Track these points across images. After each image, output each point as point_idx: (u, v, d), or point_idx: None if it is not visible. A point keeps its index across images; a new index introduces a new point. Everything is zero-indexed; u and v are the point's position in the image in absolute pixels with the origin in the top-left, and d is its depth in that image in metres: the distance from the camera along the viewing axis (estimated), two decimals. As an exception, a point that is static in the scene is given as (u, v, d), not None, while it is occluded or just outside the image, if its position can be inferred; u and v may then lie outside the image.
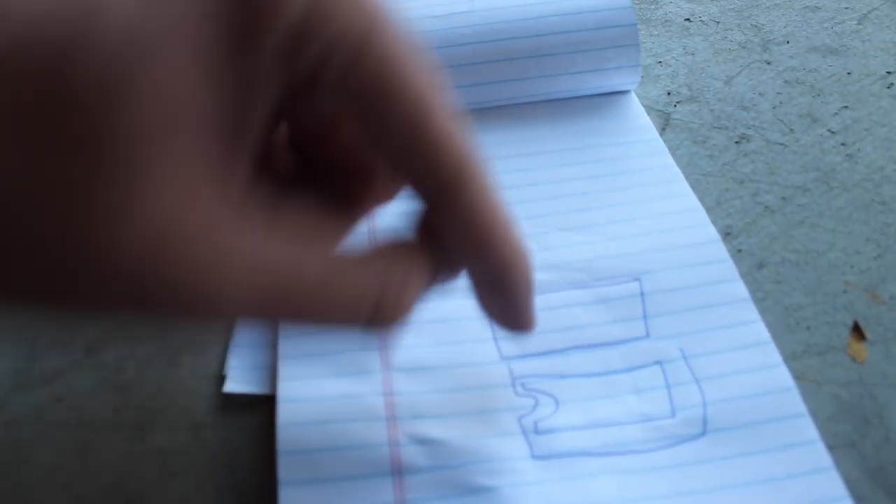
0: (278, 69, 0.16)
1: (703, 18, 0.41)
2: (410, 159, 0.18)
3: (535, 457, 0.22)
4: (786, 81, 0.37)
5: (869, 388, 0.24)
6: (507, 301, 0.20)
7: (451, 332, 0.26)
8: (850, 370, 0.25)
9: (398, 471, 0.21)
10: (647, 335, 0.25)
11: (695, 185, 0.31)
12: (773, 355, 0.24)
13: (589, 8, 0.34)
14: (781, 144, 0.33)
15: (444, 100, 0.18)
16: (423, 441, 0.22)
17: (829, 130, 0.34)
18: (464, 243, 0.19)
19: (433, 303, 0.27)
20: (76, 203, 0.14)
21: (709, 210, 0.30)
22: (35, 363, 0.25)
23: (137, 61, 0.14)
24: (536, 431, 0.23)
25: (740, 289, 0.26)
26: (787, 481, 0.21)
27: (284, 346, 0.25)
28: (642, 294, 0.26)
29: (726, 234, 0.29)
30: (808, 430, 0.22)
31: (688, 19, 0.41)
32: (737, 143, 0.33)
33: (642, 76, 0.37)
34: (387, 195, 0.21)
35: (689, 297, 0.26)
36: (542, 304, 0.26)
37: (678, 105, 0.35)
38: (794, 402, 0.23)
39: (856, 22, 0.40)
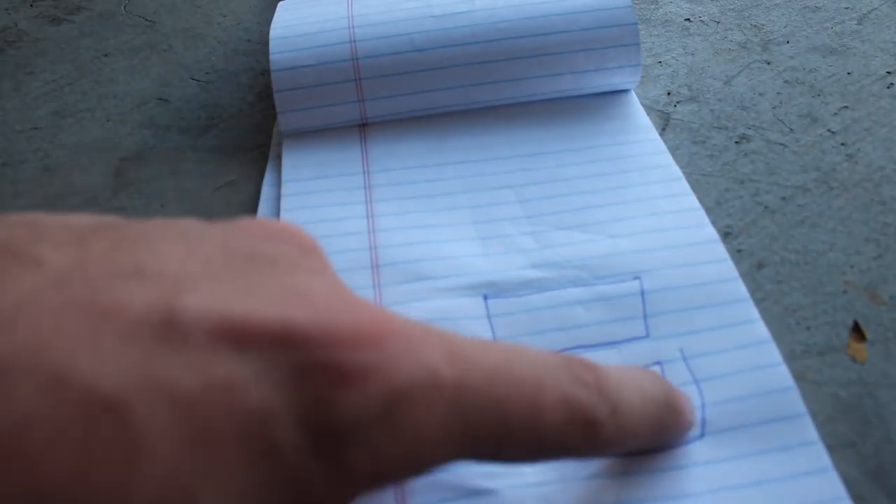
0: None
1: (703, 18, 0.41)
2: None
3: None
4: (786, 81, 0.37)
5: (869, 388, 0.24)
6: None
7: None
8: (850, 370, 0.25)
9: None
10: (647, 335, 0.25)
11: (695, 185, 0.31)
12: (773, 354, 0.24)
13: (589, 7, 0.34)
14: (781, 144, 0.33)
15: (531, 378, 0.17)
16: None
17: (829, 130, 0.34)
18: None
19: (432, 303, 0.27)
20: None
21: (709, 210, 0.30)
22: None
23: None
24: None
25: (740, 289, 0.26)
26: (785, 483, 0.21)
27: None
28: (643, 293, 0.26)
29: (726, 234, 0.29)
30: (808, 430, 0.22)
31: (688, 19, 0.41)
32: (737, 143, 0.33)
33: (642, 76, 0.37)
34: None
35: (689, 297, 0.26)
36: (543, 303, 0.26)
37: (678, 105, 0.35)
38: (794, 401, 0.23)
39: (856, 22, 0.40)
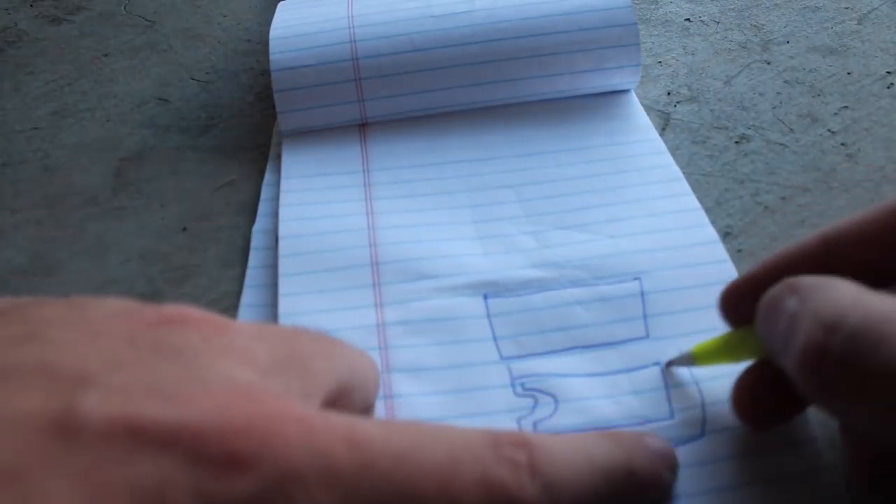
0: None
1: (703, 18, 0.41)
2: None
3: None
4: (786, 81, 0.37)
5: (869, 388, 0.24)
6: None
7: (450, 332, 0.26)
8: (849, 370, 0.25)
9: None
10: (647, 335, 0.25)
11: (695, 185, 0.31)
12: None
13: (589, 7, 0.34)
14: (781, 144, 0.33)
15: None
16: None
17: (829, 130, 0.34)
18: None
19: (432, 302, 0.27)
20: None
21: (709, 210, 0.30)
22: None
23: None
24: (536, 432, 0.23)
25: None
26: (785, 481, 0.21)
27: None
28: (642, 293, 0.26)
29: (726, 234, 0.29)
30: (807, 428, 0.22)
31: (688, 19, 0.41)
32: (737, 143, 0.33)
33: (642, 76, 0.37)
34: None
35: (689, 298, 0.26)
36: (543, 303, 0.26)
37: (678, 105, 0.35)
38: None
39: (856, 22, 0.40)
